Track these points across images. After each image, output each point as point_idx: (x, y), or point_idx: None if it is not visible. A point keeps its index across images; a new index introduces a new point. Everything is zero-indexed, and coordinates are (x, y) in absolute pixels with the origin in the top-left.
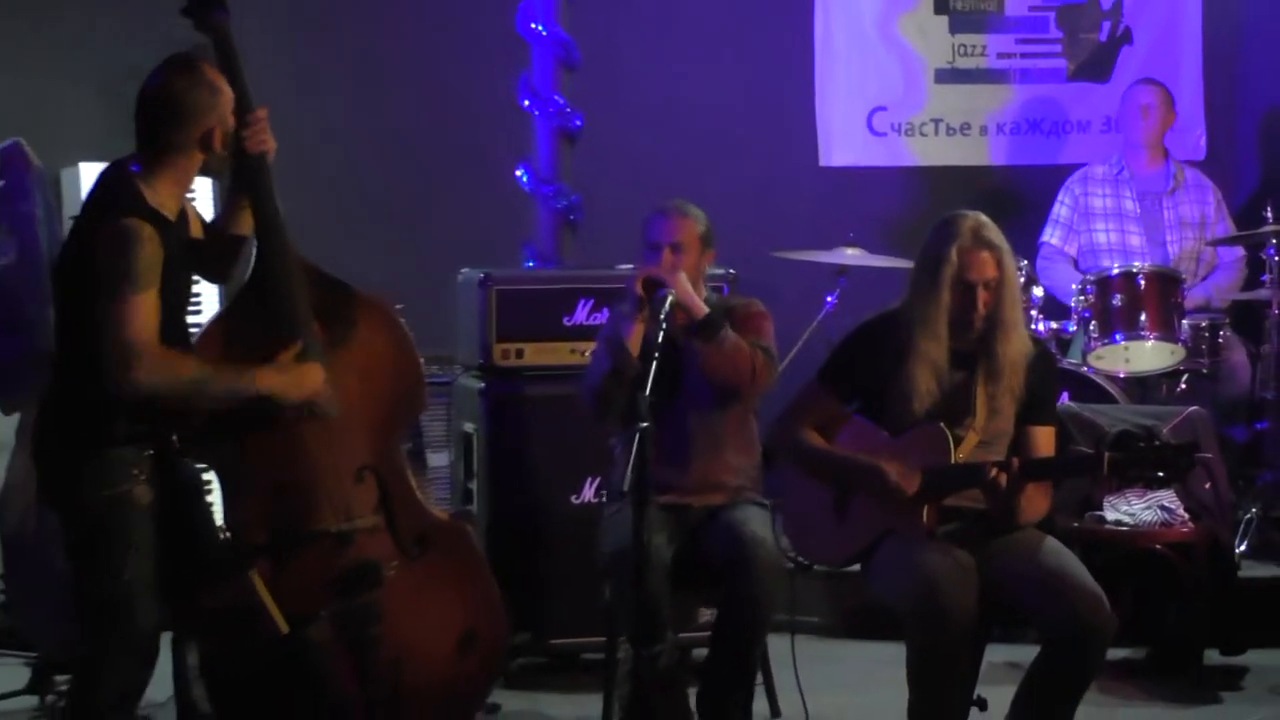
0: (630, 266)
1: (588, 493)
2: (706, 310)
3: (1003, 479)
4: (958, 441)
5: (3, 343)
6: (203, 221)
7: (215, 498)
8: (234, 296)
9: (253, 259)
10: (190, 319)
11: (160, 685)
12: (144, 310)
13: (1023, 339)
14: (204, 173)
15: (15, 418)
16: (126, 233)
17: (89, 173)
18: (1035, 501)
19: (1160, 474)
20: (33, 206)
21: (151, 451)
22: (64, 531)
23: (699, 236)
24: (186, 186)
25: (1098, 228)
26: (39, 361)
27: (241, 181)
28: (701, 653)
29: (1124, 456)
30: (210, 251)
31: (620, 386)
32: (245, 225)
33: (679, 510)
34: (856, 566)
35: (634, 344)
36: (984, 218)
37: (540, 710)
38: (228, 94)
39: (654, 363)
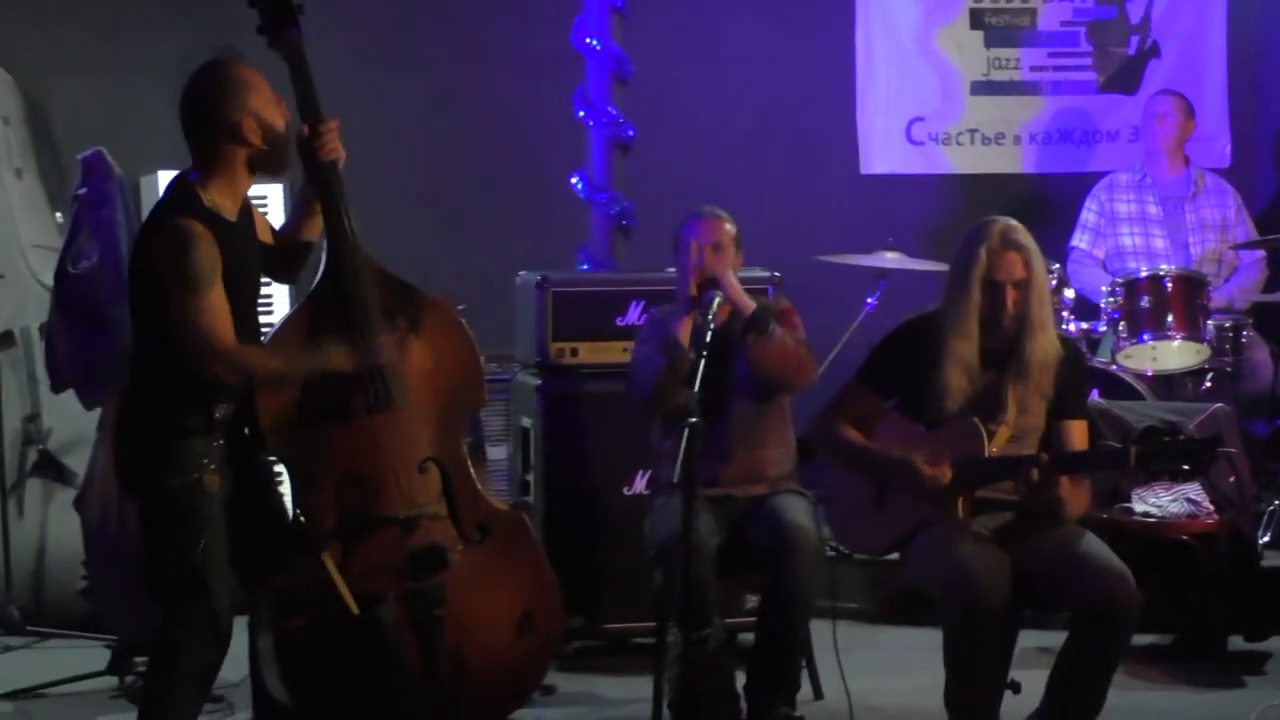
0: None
1: (639, 484)
2: (754, 306)
3: (1034, 473)
4: (990, 436)
5: (87, 342)
6: (271, 229)
7: (285, 488)
8: (307, 296)
9: (323, 261)
10: (261, 318)
11: (236, 666)
12: (212, 308)
13: (1051, 339)
14: (264, 173)
15: (96, 413)
16: (181, 233)
17: (166, 180)
18: (1077, 497)
19: (1185, 467)
20: (114, 212)
21: (221, 442)
22: (140, 517)
23: (733, 238)
24: (240, 185)
25: (1123, 231)
26: (119, 359)
27: (314, 188)
28: (747, 637)
29: (1150, 450)
30: (279, 256)
31: (675, 381)
32: (314, 231)
33: (724, 501)
34: (895, 555)
35: (684, 338)
36: (1013, 222)
37: (593, 691)
38: (255, 86)
39: (703, 359)
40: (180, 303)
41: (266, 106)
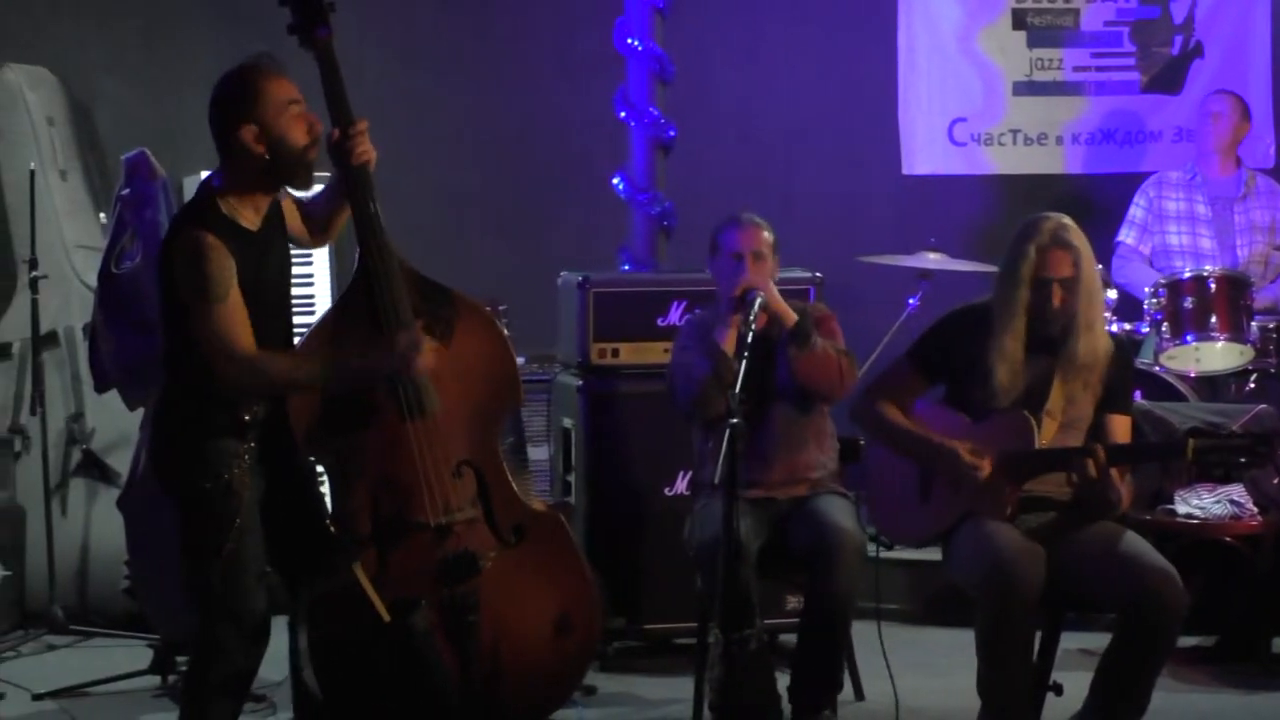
0: None
1: (680, 485)
2: (796, 317)
3: (1091, 465)
4: (1041, 429)
5: (130, 341)
6: (300, 206)
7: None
8: (338, 299)
9: (356, 264)
10: (300, 319)
11: (277, 666)
12: (228, 317)
13: (1100, 337)
14: (283, 184)
15: (139, 413)
16: (193, 245)
17: None
18: (1124, 491)
19: (1242, 460)
20: (157, 213)
21: (253, 443)
22: (176, 519)
23: (772, 246)
24: (256, 193)
25: (1170, 230)
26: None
27: (344, 189)
28: (789, 638)
29: (1207, 443)
30: (308, 233)
31: (719, 388)
32: (340, 221)
33: (765, 503)
34: (937, 555)
35: (728, 347)
36: (1066, 219)
37: (634, 692)
38: (267, 95)
39: (744, 363)
40: (196, 312)
41: (277, 117)
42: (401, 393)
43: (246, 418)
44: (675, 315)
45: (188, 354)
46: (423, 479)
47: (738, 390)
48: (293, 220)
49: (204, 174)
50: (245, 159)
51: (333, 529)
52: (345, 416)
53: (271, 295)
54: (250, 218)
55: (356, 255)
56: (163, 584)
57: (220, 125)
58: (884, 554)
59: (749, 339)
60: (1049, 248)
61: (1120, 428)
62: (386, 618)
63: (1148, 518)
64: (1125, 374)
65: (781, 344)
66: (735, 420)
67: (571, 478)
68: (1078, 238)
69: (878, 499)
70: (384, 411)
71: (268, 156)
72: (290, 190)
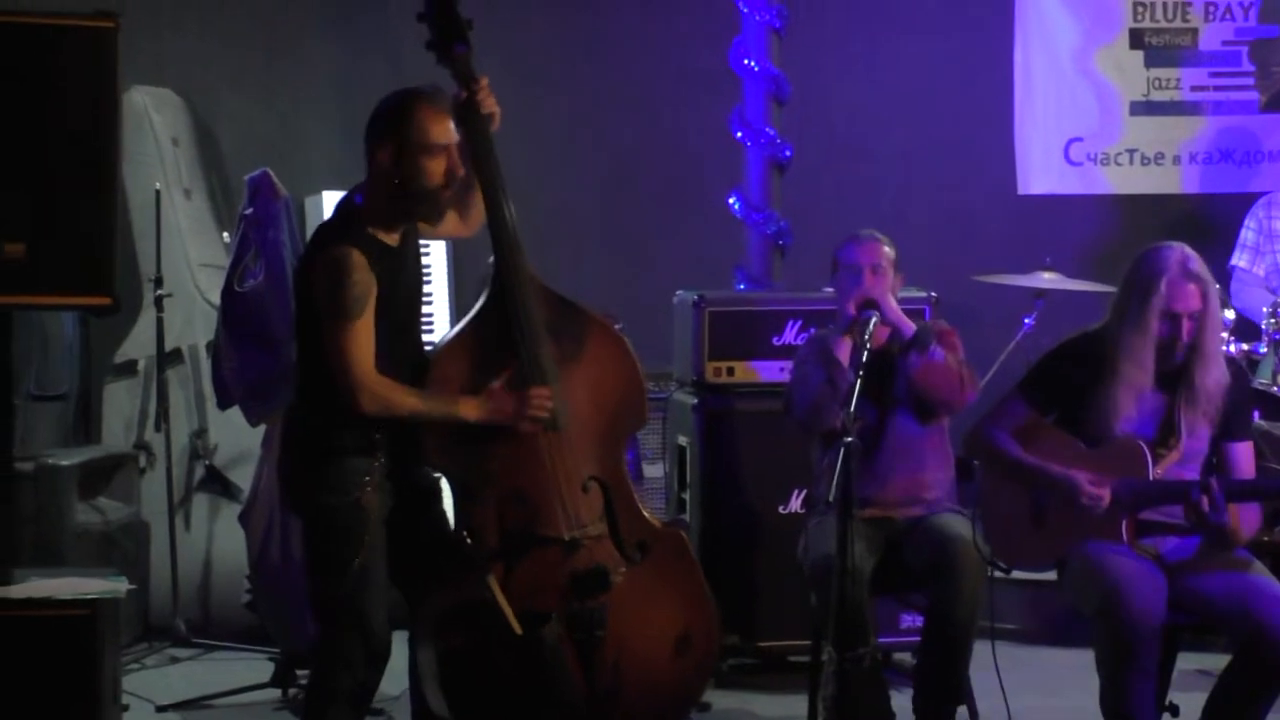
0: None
1: (794, 503)
2: (915, 327)
3: (1205, 502)
4: (1156, 459)
5: (252, 359)
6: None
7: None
8: (474, 314)
9: (489, 279)
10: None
11: (396, 680)
12: (359, 338)
13: (1221, 366)
14: (411, 212)
15: (261, 429)
16: (337, 261)
17: (330, 200)
18: (1246, 520)
19: None
20: (279, 233)
21: (382, 460)
22: (301, 534)
23: (892, 261)
24: (396, 213)
25: None
26: (284, 377)
27: (468, 142)
28: (903, 656)
29: None
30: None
31: (832, 398)
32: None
33: (880, 523)
34: (1052, 575)
35: (843, 360)
36: (1190, 250)
37: (748, 709)
38: (415, 125)
39: (859, 379)
40: (330, 330)
41: (421, 153)
42: None
43: (377, 435)
44: (790, 334)
45: (320, 370)
46: (554, 492)
47: (852, 408)
48: (449, 221)
49: (325, 194)
50: (379, 179)
51: (467, 539)
52: (477, 429)
53: (404, 312)
54: (391, 236)
55: (490, 271)
56: (284, 598)
57: (367, 141)
58: (1001, 569)
59: (864, 355)
60: (1179, 281)
61: (1242, 457)
62: (519, 630)
63: (1266, 539)
64: (1243, 400)
65: (901, 354)
66: (850, 439)
67: (686, 495)
68: (1204, 269)
69: (990, 520)
70: (513, 425)
71: (397, 182)
72: (420, 219)
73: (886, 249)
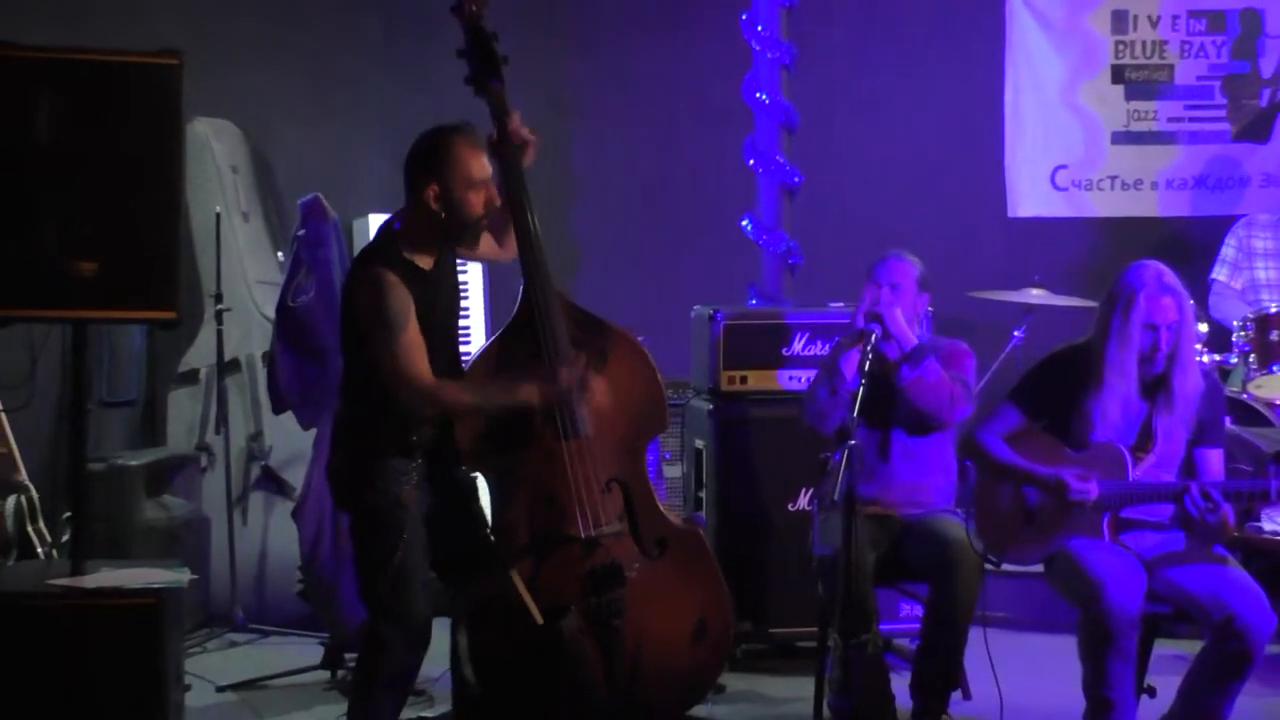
0: (841, 305)
1: (802, 501)
2: (915, 341)
3: (1202, 503)
4: (1135, 462)
5: (304, 369)
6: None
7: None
8: (503, 328)
9: (520, 295)
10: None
11: (436, 662)
12: (411, 348)
13: (1197, 376)
14: (450, 239)
15: (312, 432)
16: (376, 282)
17: (375, 222)
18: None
19: None
20: (329, 252)
21: (420, 460)
22: (350, 529)
23: (915, 280)
24: (432, 240)
25: (1259, 266)
26: (333, 385)
27: (502, 173)
28: (903, 642)
29: None
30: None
31: (833, 404)
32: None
33: (883, 520)
34: (1039, 568)
35: (850, 368)
36: (1164, 266)
37: (760, 690)
38: (457, 161)
39: (862, 387)
40: (378, 343)
41: (463, 188)
42: (559, 415)
43: (414, 439)
44: (798, 346)
45: (365, 380)
46: (575, 494)
47: (854, 414)
48: (486, 245)
49: (371, 216)
50: (423, 212)
51: (493, 538)
52: (507, 435)
53: (440, 329)
54: (425, 260)
55: (521, 290)
56: (333, 588)
57: (409, 176)
58: (992, 563)
59: (867, 364)
60: (1156, 295)
61: (1215, 462)
62: (540, 621)
63: (1236, 535)
64: (1216, 409)
65: (897, 366)
66: (853, 442)
67: (703, 494)
68: (1178, 283)
69: (983, 517)
70: (542, 431)
71: (443, 215)
72: (457, 244)
73: (909, 267)
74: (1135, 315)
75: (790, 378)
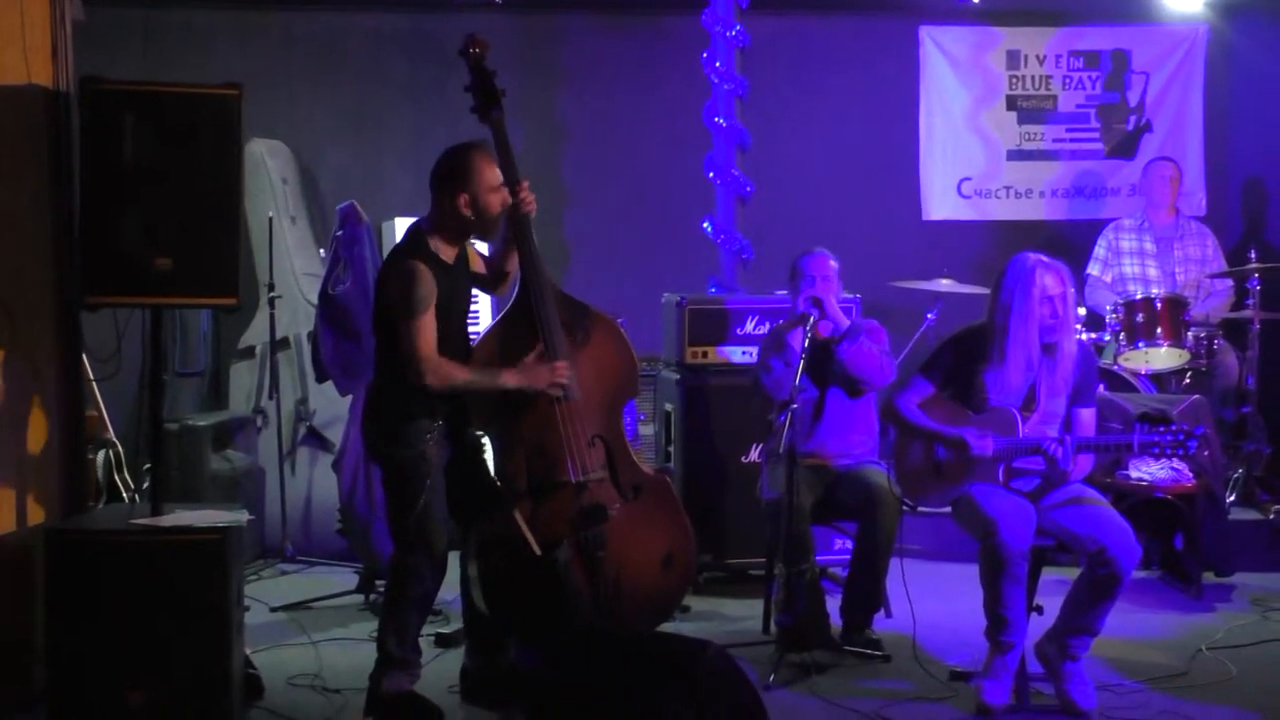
0: (784, 293)
1: (753, 454)
2: (849, 322)
3: (1059, 451)
4: (1024, 420)
5: (342, 346)
6: (482, 257)
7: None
8: (505, 312)
9: (517, 287)
10: (470, 327)
11: (449, 588)
12: (424, 329)
13: (1073, 344)
14: (475, 236)
15: (349, 398)
16: (409, 270)
17: (401, 225)
18: (1082, 464)
19: (1168, 453)
20: (363, 250)
21: (441, 422)
22: (381, 478)
23: (836, 272)
24: (458, 239)
25: (1125, 263)
26: (366, 360)
27: (511, 232)
28: (836, 571)
29: (1148, 440)
30: (488, 278)
31: (787, 374)
32: (512, 263)
33: (819, 469)
34: (948, 510)
35: (795, 346)
36: (1042, 253)
37: (719, 610)
38: (481, 173)
39: (804, 360)
40: (402, 323)
41: (485, 191)
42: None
43: (437, 403)
44: (750, 327)
45: (392, 355)
46: (566, 447)
47: (797, 382)
48: (475, 262)
49: (397, 220)
50: (454, 217)
51: (498, 484)
52: (508, 402)
53: (455, 316)
54: (448, 255)
55: (518, 281)
56: (365, 527)
57: (439, 187)
58: (909, 506)
59: (808, 341)
60: (1045, 271)
61: (1087, 420)
62: (538, 552)
63: (1108, 481)
64: (1091, 374)
65: (836, 345)
66: (795, 405)
67: (671, 449)
68: (1057, 261)
69: (900, 469)
70: (538, 398)
71: (472, 218)
72: (477, 240)
73: (833, 262)
74: (1034, 292)
75: (744, 352)
